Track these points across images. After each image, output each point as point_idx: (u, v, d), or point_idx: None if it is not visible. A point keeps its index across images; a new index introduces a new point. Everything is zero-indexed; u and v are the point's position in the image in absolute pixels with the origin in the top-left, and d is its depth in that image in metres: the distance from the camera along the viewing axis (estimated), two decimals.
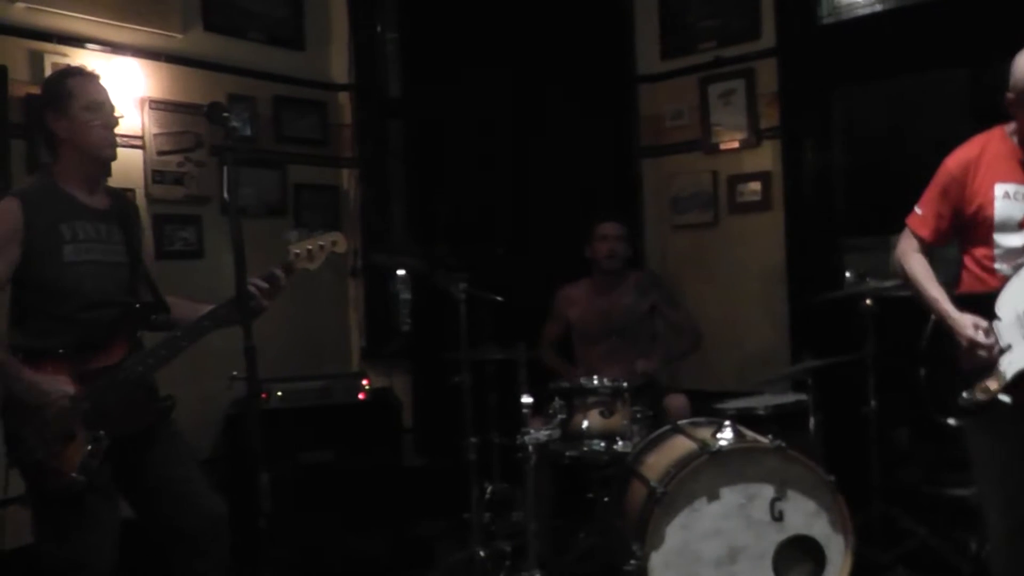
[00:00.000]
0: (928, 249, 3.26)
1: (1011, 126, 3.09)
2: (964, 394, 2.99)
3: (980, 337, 2.96)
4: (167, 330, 3.14)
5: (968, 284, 3.17)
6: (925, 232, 3.23)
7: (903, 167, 5.13)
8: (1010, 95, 3.02)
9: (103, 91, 3.11)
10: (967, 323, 3.00)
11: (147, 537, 3.17)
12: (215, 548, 3.14)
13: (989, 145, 3.13)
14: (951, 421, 3.08)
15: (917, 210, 3.27)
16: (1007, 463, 3.07)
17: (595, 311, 4.88)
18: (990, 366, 2.96)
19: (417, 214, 5.71)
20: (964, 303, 3.09)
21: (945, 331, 3.09)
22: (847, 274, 5.11)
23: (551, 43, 5.61)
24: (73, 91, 3.03)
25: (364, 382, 4.80)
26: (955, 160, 3.17)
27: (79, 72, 3.13)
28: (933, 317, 3.16)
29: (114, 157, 3.18)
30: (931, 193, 3.23)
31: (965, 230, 3.17)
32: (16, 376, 2.87)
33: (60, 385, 2.89)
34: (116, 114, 3.14)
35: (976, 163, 3.11)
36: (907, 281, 3.27)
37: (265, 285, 3.13)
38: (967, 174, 3.12)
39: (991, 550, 3.25)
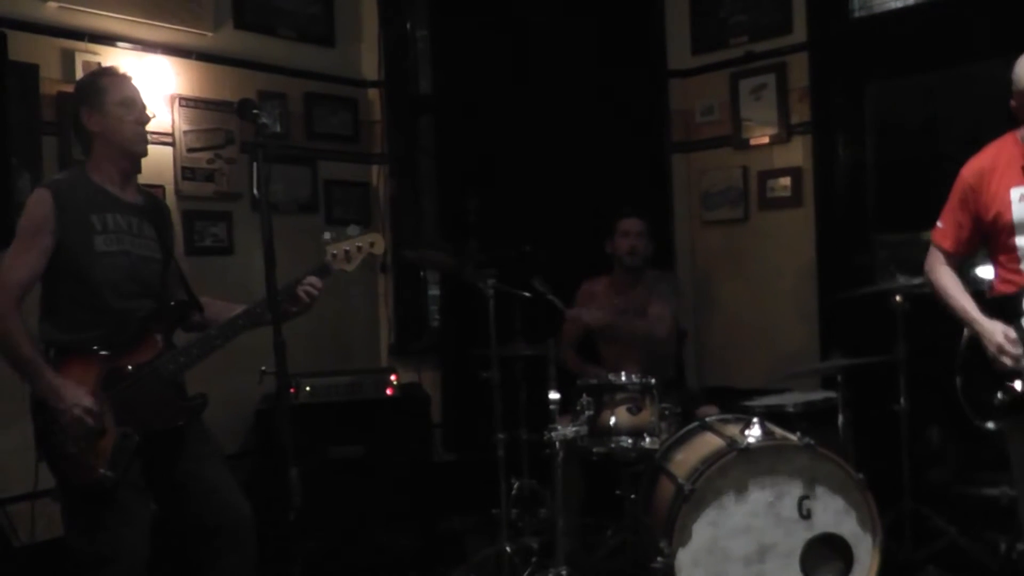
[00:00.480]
0: (955, 260, 3.32)
1: (1022, 130, 3.14)
2: (999, 395, 3.04)
3: (1007, 345, 3.02)
4: (200, 330, 3.17)
5: (997, 287, 3.22)
6: (947, 244, 3.30)
7: (936, 163, 5.08)
8: (1013, 103, 3.10)
9: (136, 89, 3.17)
10: (996, 330, 3.06)
11: (175, 533, 3.18)
12: (242, 547, 3.15)
13: (1002, 151, 3.17)
14: (990, 425, 3.12)
15: (939, 223, 3.33)
16: None
17: (614, 308, 4.86)
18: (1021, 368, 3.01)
19: (447, 210, 5.71)
20: (994, 306, 3.15)
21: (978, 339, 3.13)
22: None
23: (581, 38, 5.61)
24: (107, 87, 3.09)
25: (392, 377, 4.81)
26: (969, 169, 3.23)
27: (113, 72, 3.20)
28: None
29: (145, 153, 3.25)
30: (950, 205, 3.29)
31: (988, 238, 3.22)
32: (39, 375, 2.90)
33: (79, 394, 2.90)
34: (148, 112, 3.18)
35: (990, 170, 3.16)
36: (936, 294, 3.34)
37: (319, 282, 3.17)
38: (982, 182, 3.17)
39: None
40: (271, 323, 2.81)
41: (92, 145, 3.11)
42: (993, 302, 3.18)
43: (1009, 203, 3.09)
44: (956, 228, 3.27)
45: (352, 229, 3.30)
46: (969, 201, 3.21)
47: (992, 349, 3.04)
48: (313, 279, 3.18)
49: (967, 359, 3.21)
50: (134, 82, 3.19)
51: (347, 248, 3.24)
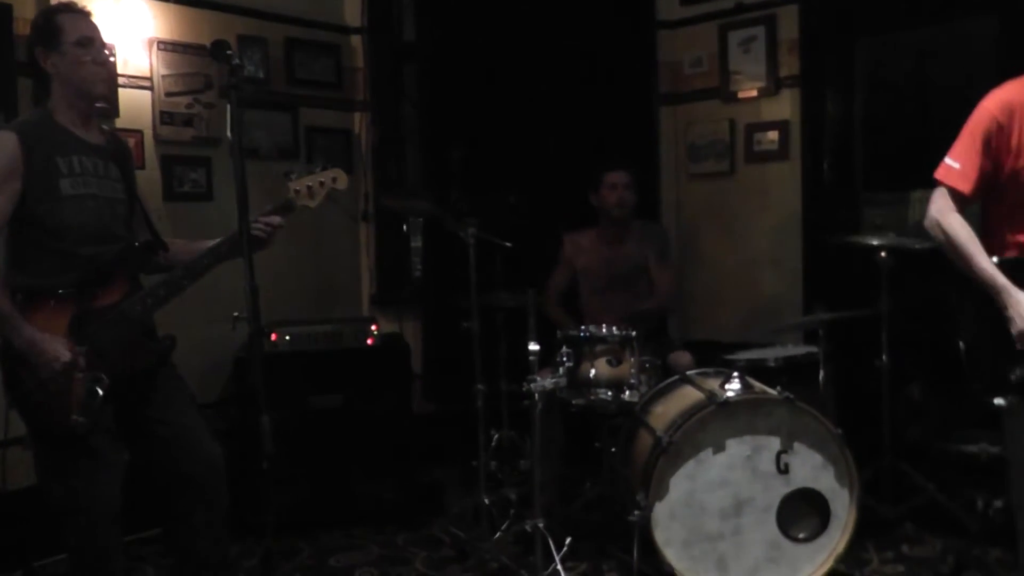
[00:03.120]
0: (965, 207, 2.92)
1: None
2: (1018, 371, 2.80)
3: None
4: (166, 271, 3.12)
5: (1014, 249, 2.89)
6: (966, 187, 2.89)
7: (926, 120, 5.05)
8: None
9: (94, 27, 3.05)
10: None
11: (148, 479, 3.16)
12: (213, 495, 3.12)
13: None
14: (999, 401, 2.87)
15: (952, 163, 2.92)
16: None
17: (600, 260, 4.84)
18: None
19: (430, 159, 5.65)
20: (1011, 269, 2.84)
21: (992, 303, 2.84)
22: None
23: None
24: (63, 27, 2.98)
25: (373, 327, 4.78)
26: (996, 102, 2.85)
27: (69, 8, 3.06)
28: (980, 287, 2.88)
29: (106, 93, 3.17)
30: (969, 141, 2.88)
31: (1002, 189, 2.89)
32: (17, 329, 2.85)
33: (58, 347, 2.86)
34: (107, 51, 3.08)
35: (1021, 108, 2.80)
36: (948, 246, 2.91)
37: (277, 220, 3.14)
38: (1013, 119, 2.81)
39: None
40: (239, 256, 2.77)
41: (52, 86, 3.02)
42: (1008, 264, 2.84)
43: None
44: (979, 171, 2.87)
45: (315, 165, 3.25)
46: (996, 140, 2.82)
47: (1020, 324, 2.74)
48: (272, 217, 3.15)
49: (977, 325, 2.89)
50: (92, 18, 3.07)
51: (310, 184, 3.19)
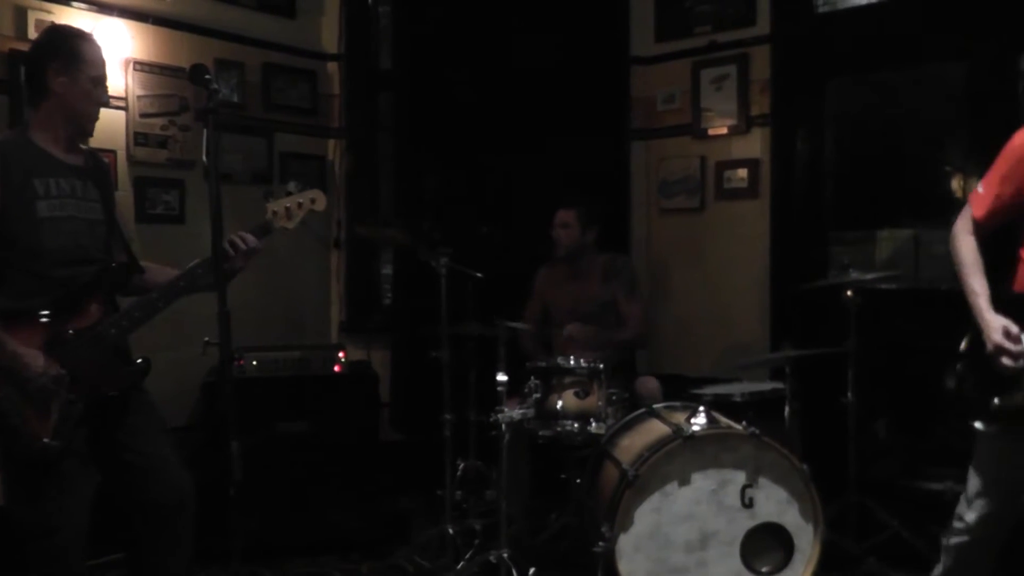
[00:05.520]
0: (984, 232, 2.96)
1: None
2: (996, 399, 2.79)
3: (1007, 344, 2.73)
4: (140, 294, 3.11)
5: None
6: (979, 212, 2.95)
7: (895, 161, 5.11)
8: None
9: (106, 66, 3.08)
10: (997, 326, 2.76)
11: (116, 504, 3.13)
12: (181, 522, 3.10)
13: None
14: (978, 425, 2.85)
15: (979, 188, 2.99)
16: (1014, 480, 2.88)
17: (564, 296, 4.85)
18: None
19: (404, 187, 5.67)
20: (1018, 304, 2.84)
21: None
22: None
23: (545, 21, 5.56)
24: (85, 58, 2.99)
25: (340, 354, 4.77)
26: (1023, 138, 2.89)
27: (90, 38, 3.07)
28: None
29: (90, 130, 3.14)
30: (995, 172, 2.94)
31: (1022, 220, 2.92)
32: (1, 344, 2.82)
33: (44, 361, 2.84)
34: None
35: None
36: (953, 262, 2.98)
37: (253, 239, 3.11)
38: None
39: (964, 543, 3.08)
40: (213, 287, 2.76)
41: (46, 103, 3.00)
42: (1019, 299, 2.86)
43: None
44: (993, 199, 2.90)
45: (292, 186, 3.24)
46: (1016, 174, 2.87)
47: (989, 346, 2.75)
48: (248, 235, 3.13)
49: (971, 349, 2.88)
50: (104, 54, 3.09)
51: (288, 205, 3.18)
